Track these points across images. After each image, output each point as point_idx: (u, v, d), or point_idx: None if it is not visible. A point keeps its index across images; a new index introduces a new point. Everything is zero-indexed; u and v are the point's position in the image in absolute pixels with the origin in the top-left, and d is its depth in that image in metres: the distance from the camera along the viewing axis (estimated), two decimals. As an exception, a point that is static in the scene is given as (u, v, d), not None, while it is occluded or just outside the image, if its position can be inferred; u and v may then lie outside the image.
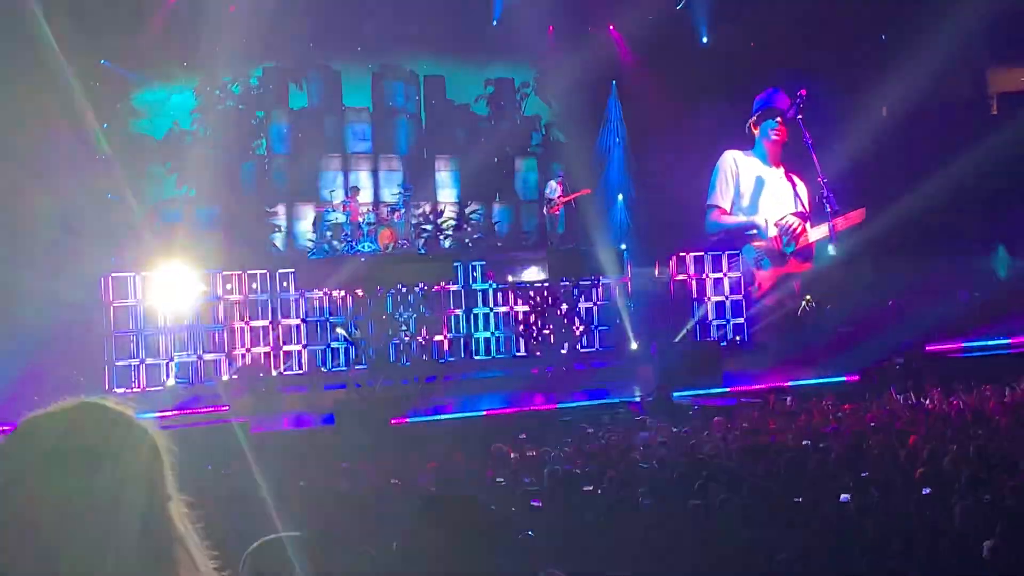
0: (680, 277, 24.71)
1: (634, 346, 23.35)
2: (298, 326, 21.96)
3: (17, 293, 18.62)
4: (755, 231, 25.69)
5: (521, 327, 23.17)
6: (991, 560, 6.76)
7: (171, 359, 20.87)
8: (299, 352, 21.90)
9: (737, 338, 24.90)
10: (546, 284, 22.42)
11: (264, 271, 21.85)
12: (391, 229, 21.94)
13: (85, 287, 20.13)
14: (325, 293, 21.74)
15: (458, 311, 23.08)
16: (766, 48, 25.14)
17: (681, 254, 24.86)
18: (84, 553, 1.79)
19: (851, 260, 24.07)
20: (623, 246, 24.22)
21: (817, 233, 25.12)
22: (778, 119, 25.73)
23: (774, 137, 25.87)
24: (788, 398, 17.55)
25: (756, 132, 26.10)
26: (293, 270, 21.81)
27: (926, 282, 22.46)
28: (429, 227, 24.49)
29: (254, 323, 21.69)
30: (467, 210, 25.28)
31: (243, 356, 21.43)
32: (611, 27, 25.41)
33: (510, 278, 23.05)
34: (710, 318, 24.88)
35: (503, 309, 23.30)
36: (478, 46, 25.62)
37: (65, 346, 18.84)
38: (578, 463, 11.99)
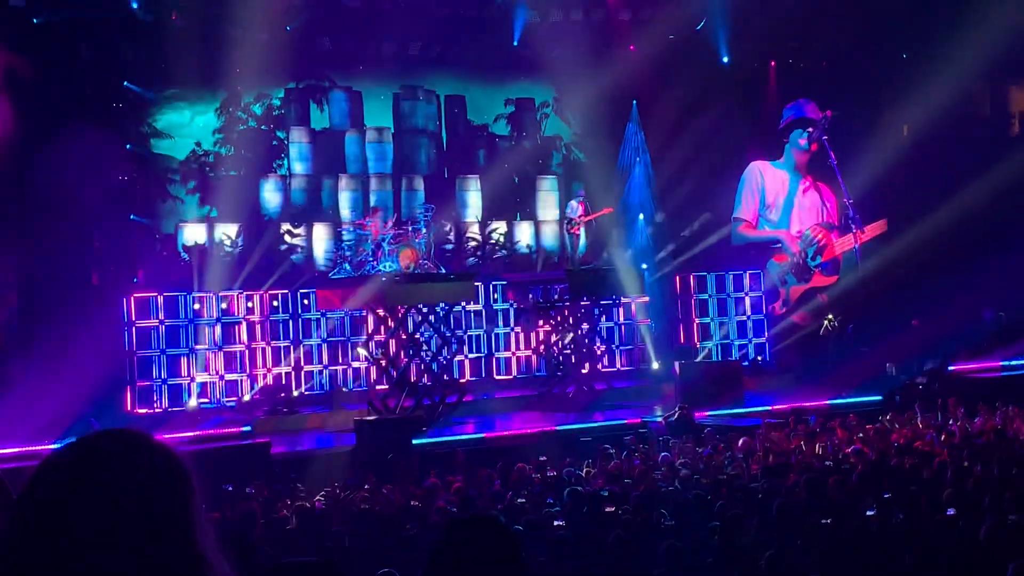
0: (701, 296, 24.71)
1: (656, 366, 23.28)
2: (319, 345, 21.99)
3: (41, 314, 18.77)
4: (779, 244, 25.63)
5: (542, 347, 23.14)
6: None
7: (193, 379, 20.92)
8: (320, 371, 21.93)
9: (759, 358, 24.80)
10: (567, 304, 22.39)
11: (285, 291, 21.91)
12: (412, 249, 21.95)
13: (108, 307, 20.23)
14: (346, 313, 21.76)
15: (479, 331, 23.05)
16: (787, 67, 25.08)
17: (701, 273, 24.83)
18: None
19: (874, 279, 23.94)
20: (644, 265, 24.18)
21: (842, 245, 25.02)
22: (809, 128, 25.60)
23: (804, 146, 25.71)
24: (811, 418, 17.43)
25: (786, 141, 26.03)
26: (314, 290, 21.86)
27: (950, 301, 22.30)
28: (450, 246, 24.52)
29: (275, 343, 21.74)
30: (488, 230, 25.30)
31: (264, 376, 21.47)
32: (631, 47, 25.40)
33: (531, 297, 23.06)
34: (731, 337, 24.82)
35: (523, 328, 23.32)
36: (499, 66, 25.70)
37: (88, 366, 18.92)
38: (599, 483, 11.96)
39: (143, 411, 20.06)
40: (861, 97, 25.67)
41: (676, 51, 24.69)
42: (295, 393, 21.19)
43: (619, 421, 18.87)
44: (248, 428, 18.12)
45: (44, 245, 19.27)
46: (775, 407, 19.26)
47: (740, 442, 14.72)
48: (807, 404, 19.22)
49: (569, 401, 20.82)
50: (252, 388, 21.18)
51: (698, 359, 23.10)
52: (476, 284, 22.65)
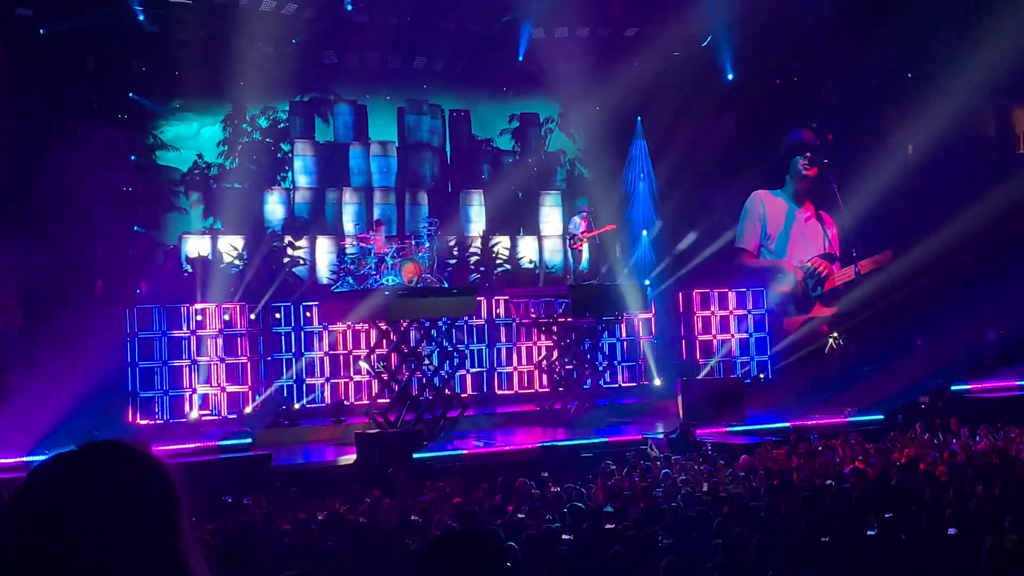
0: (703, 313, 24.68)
1: (658, 382, 23.25)
2: (321, 359, 21.97)
3: (43, 324, 18.77)
4: (780, 275, 25.64)
5: (544, 362, 23.12)
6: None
7: (194, 391, 20.89)
8: (322, 385, 21.91)
9: (761, 376, 24.76)
10: (569, 319, 22.36)
11: (288, 304, 21.90)
12: (415, 263, 21.94)
13: (111, 318, 20.21)
14: (348, 326, 21.74)
15: (481, 345, 23.03)
16: (792, 85, 25.10)
17: (705, 290, 24.82)
18: None
19: (878, 299, 23.93)
20: (647, 282, 24.16)
21: (843, 276, 25.02)
22: (807, 153, 25.64)
23: (803, 172, 25.77)
24: (813, 436, 17.40)
25: (787, 171, 26.09)
26: (316, 303, 21.83)
27: (953, 321, 22.27)
28: (453, 261, 24.51)
29: (276, 355, 21.71)
30: (491, 244, 25.29)
31: (265, 388, 21.43)
32: (636, 63, 25.45)
33: (533, 313, 23.06)
34: (734, 353, 24.80)
35: (526, 344, 23.32)
36: (504, 81, 25.74)
37: (90, 377, 18.90)
38: (600, 500, 11.92)
39: (144, 422, 20.02)
40: (865, 117, 25.70)
41: (681, 68, 24.74)
42: (296, 406, 21.15)
43: (621, 437, 18.83)
44: (249, 440, 18.08)
45: (47, 255, 19.27)
46: (777, 425, 19.28)
47: (741, 460, 14.70)
48: (809, 422, 19.22)
49: (570, 417, 20.79)
50: (254, 400, 21.14)
51: (701, 375, 23.09)
52: (478, 298, 22.64)
